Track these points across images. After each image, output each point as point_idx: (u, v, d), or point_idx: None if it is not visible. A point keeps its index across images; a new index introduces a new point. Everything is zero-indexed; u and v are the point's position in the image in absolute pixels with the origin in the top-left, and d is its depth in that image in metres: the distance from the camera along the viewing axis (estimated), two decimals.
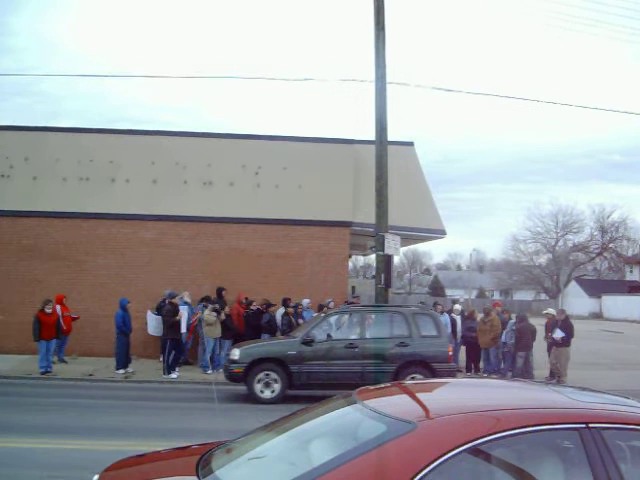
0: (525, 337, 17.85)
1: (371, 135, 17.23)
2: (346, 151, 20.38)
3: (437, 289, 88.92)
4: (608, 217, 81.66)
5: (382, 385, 5.17)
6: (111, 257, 19.39)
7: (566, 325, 17.89)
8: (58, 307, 16.81)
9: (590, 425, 3.33)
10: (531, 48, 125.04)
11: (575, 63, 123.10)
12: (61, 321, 16.81)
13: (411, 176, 20.80)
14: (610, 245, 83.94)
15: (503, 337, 18.28)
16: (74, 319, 17.52)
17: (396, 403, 4.00)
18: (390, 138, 17.25)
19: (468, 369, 19.18)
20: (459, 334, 18.96)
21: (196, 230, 19.60)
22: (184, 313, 16.48)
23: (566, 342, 17.67)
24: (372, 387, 4.63)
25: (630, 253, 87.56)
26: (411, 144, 21.63)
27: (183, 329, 16.33)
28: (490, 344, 18.32)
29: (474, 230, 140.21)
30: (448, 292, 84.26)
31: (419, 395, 4.12)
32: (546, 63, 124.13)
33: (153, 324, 17.51)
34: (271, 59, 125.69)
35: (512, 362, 18.37)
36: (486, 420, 3.34)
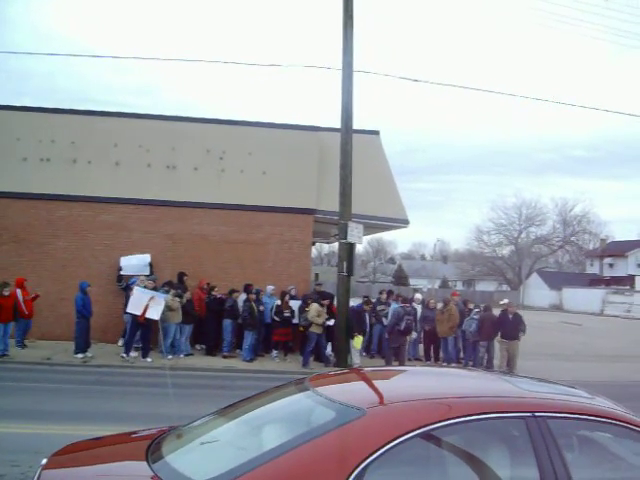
0: (487, 327, 18.08)
1: (337, 123, 17.26)
2: (311, 138, 20.34)
3: (401, 278, 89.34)
4: (570, 211, 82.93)
5: (337, 371, 5.18)
6: (72, 240, 19.09)
7: (516, 319, 18.15)
8: (18, 291, 16.53)
9: (536, 414, 3.40)
10: (500, 40, 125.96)
11: (542, 57, 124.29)
12: (23, 305, 16.54)
13: (376, 165, 20.85)
14: (572, 238, 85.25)
15: (463, 326, 18.51)
16: (34, 298, 17.13)
17: (347, 390, 4.04)
18: (356, 127, 17.28)
19: (427, 358, 19.36)
20: (419, 323, 19.12)
21: (159, 214, 19.40)
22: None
23: (516, 335, 17.91)
24: (326, 374, 4.65)
25: (591, 246, 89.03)
26: (377, 133, 21.67)
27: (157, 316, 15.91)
28: (448, 333, 18.53)
29: (438, 220, 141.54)
30: (412, 281, 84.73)
31: (373, 382, 4.19)
32: (513, 56, 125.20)
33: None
34: (239, 44, 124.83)
35: (472, 351, 18.61)
36: (434, 407, 3.39)
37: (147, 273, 17.82)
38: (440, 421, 3.27)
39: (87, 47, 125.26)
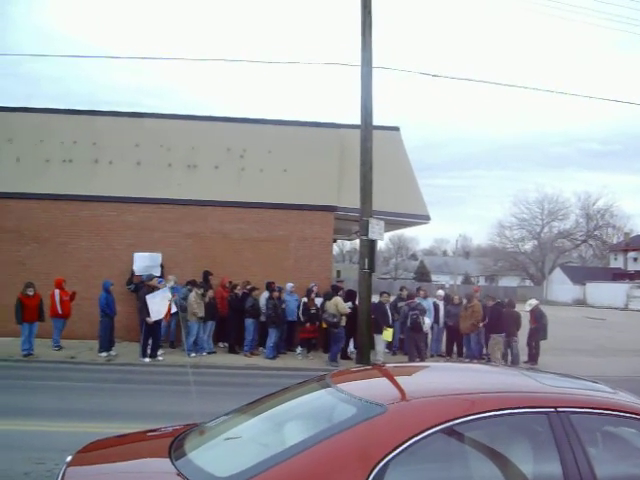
0: (509, 322, 17.97)
1: (357, 119, 17.22)
2: (331, 135, 20.33)
3: (423, 274, 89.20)
4: (593, 204, 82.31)
5: (360, 368, 5.18)
6: (94, 240, 19.28)
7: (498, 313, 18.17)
8: (57, 291, 16.71)
9: (559, 409, 3.38)
10: (516, 36, 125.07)
11: (555, 52, 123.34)
12: (58, 306, 16.69)
13: (396, 161, 20.78)
14: (595, 232, 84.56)
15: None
16: (72, 298, 17.15)
17: (369, 386, 4.05)
18: (375, 123, 17.24)
19: (449, 354, 19.30)
20: (442, 319, 19.06)
21: (180, 213, 19.51)
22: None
23: (499, 330, 17.87)
24: (347, 370, 4.66)
25: (615, 241, 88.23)
26: (397, 129, 21.59)
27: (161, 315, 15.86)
28: (471, 330, 18.41)
29: (460, 216, 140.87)
30: (434, 278, 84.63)
31: (395, 378, 4.19)
32: (529, 51, 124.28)
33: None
34: (258, 42, 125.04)
35: None
36: (455, 403, 3.39)
37: (158, 274, 17.93)
38: (461, 417, 3.26)
39: (89, 47, 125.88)
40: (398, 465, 3.07)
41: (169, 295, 15.60)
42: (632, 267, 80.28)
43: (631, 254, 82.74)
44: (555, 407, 3.40)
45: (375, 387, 3.98)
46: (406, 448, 3.10)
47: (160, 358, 16.31)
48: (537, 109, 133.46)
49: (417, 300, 18.24)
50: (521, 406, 3.42)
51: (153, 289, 15.93)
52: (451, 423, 3.23)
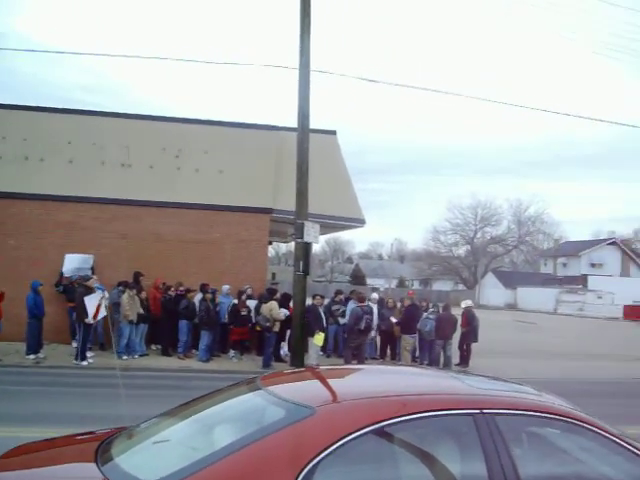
0: (445, 326, 18.27)
1: (294, 122, 17.23)
2: (268, 137, 20.31)
3: (358, 278, 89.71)
4: (525, 211, 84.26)
5: (291, 370, 5.17)
6: (23, 238, 18.73)
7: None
8: None
9: (484, 411, 3.45)
10: (456, 42, 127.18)
11: (490, 60, 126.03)
12: None
13: (332, 165, 20.88)
14: (526, 238, 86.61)
15: (419, 325, 18.64)
16: (1, 298, 16.48)
17: (299, 389, 4.05)
18: (313, 126, 17.29)
19: (383, 357, 19.46)
20: (375, 322, 19.21)
21: (114, 213, 19.13)
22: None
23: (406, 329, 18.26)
24: (278, 372, 4.65)
25: (545, 247, 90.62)
26: (333, 133, 21.71)
27: (101, 314, 15.68)
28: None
29: (396, 221, 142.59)
30: (369, 281, 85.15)
31: (325, 381, 4.20)
32: (466, 59, 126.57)
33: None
34: (196, 42, 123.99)
35: (428, 350, 18.78)
36: (385, 405, 3.42)
37: (90, 275, 17.56)
38: (390, 418, 3.29)
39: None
40: (327, 467, 3.08)
41: (102, 296, 15.37)
42: (561, 272, 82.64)
43: (560, 260, 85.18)
44: (481, 409, 3.45)
45: (305, 389, 3.99)
46: (335, 450, 3.11)
47: (90, 361, 15.99)
48: (471, 117, 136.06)
49: (370, 304, 18.50)
50: (448, 408, 3.47)
51: (90, 290, 15.66)
52: (380, 425, 3.26)
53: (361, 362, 16.96)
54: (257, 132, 20.41)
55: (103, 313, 15.36)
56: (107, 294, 16.17)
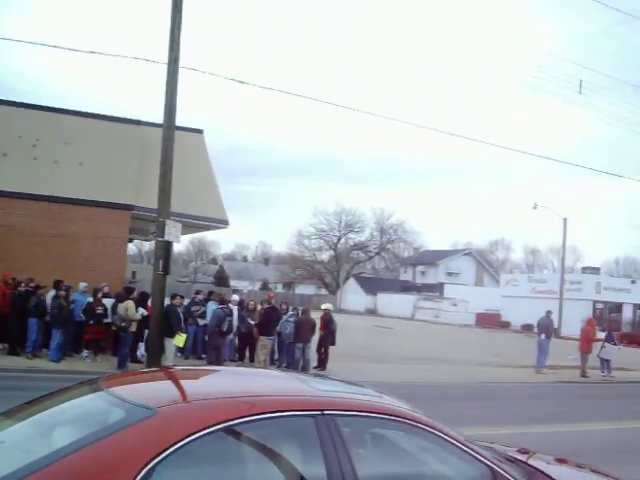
0: (304, 329, 18.45)
1: (161, 118, 16.85)
2: (133, 132, 19.79)
3: (222, 279, 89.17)
4: (387, 220, 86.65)
5: (139, 370, 5.04)
6: None
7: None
8: None
9: (325, 412, 3.48)
10: (330, 49, 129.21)
11: (361, 71, 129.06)
12: None
13: (198, 164, 20.63)
14: (388, 246, 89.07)
15: (279, 328, 18.76)
16: None
17: (143, 389, 3.94)
18: (180, 124, 17.00)
19: (241, 359, 19.40)
20: (235, 324, 19.12)
21: None
22: None
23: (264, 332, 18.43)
24: (123, 373, 4.52)
25: (406, 254, 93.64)
26: (200, 132, 21.47)
27: None
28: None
29: (262, 223, 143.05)
30: (233, 283, 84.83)
31: (173, 381, 4.14)
32: (340, 66, 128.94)
33: None
34: (65, 29, 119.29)
35: (288, 353, 18.91)
36: (228, 406, 3.39)
37: None
38: (231, 420, 3.27)
39: None
40: (166, 468, 3.02)
41: None
42: (420, 280, 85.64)
43: (419, 268, 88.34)
44: (322, 410, 3.49)
45: (149, 390, 3.90)
46: (175, 451, 3.05)
47: None
48: (339, 124, 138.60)
49: (230, 306, 18.37)
50: (289, 409, 3.49)
51: None
52: (221, 426, 3.23)
53: (220, 364, 16.84)
54: (121, 126, 19.85)
55: None
56: None
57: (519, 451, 5.21)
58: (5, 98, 19.87)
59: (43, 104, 19.92)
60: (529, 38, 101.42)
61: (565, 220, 50.54)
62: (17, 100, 19.87)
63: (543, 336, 23.33)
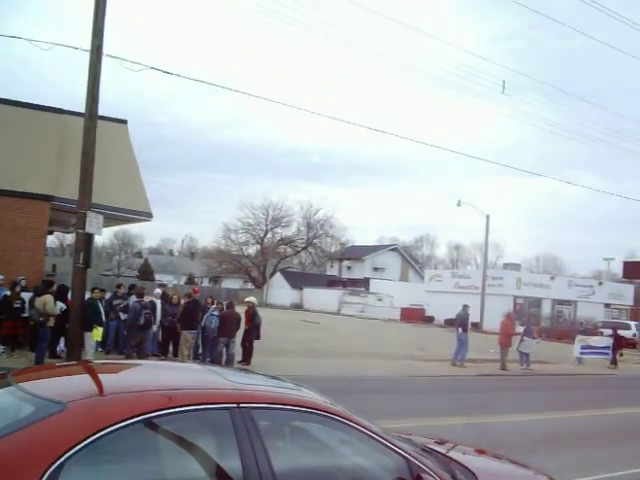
0: (229, 323, 18.34)
1: (83, 107, 16.42)
2: (53, 120, 19.22)
3: (147, 273, 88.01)
4: (314, 215, 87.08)
5: (52, 365, 4.90)
6: None
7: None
8: None
9: (241, 405, 3.47)
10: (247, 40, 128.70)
11: (287, 65, 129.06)
12: None
13: (121, 155, 20.22)
14: (315, 241, 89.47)
15: (204, 322, 18.61)
16: None
17: (54, 384, 3.84)
18: (103, 113, 16.62)
19: (164, 354, 19.16)
20: (159, 318, 18.86)
21: None
22: None
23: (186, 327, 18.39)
24: (35, 367, 4.40)
25: (332, 249, 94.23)
26: (124, 122, 21.03)
27: None
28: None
29: (188, 217, 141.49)
30: (158, 277, 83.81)
31: (88, 375, 4.03)
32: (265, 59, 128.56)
33: None
34: None
35: (212, 347, 18.75)
36: (141, 400, 3.34)
37: None
38: (145, 413, 3.22)
39: None
40: (76, 464, 2.95)
41: None
42: (346, 275, 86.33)
43: (345, 263, 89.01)
44: (238, 403, 3.48)
45: (60, 385, 3.80)
46: (85, 446, 2.99)
47: None
48: (261, 117, 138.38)
49: (154, 299, 18.10)
50: (205, 402, 3.46)
51: None
52: (135, 419, 3.18)
53: (142, 358, 16.59)
54: (40, 114, 19.25)
55: None
56: None
57: (437, 442, 5.30)
58: None
59: None
60: (453, 37, 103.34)
61: (488, 217, 51.77)
62: None
63: (460, 330, 23.77)
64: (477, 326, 48.14)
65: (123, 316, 18.44)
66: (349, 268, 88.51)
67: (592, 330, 39.50)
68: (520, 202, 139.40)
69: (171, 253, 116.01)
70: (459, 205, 51.58)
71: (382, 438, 3.85)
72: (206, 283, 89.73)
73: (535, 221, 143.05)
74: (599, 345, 28.73)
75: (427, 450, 4.58)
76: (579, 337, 29.15)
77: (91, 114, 15.87)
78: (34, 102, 19.74)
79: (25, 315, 16.92)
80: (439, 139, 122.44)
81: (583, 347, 28.11)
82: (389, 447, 3.84)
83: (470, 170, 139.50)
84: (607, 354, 28.64)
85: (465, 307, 24.42)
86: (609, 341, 29.18)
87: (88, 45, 16.07)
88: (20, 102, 19.46)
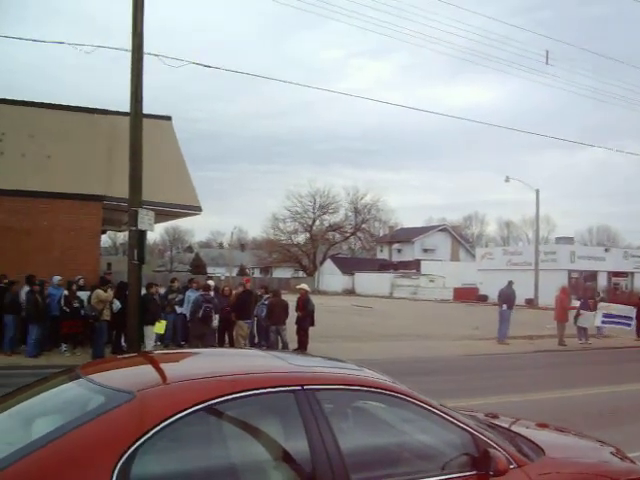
0: (276, 312, 18.49)
1: (127, 107, 16.67)
2: (101, 122, 19.59)
3: (198, 267, 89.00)
4: (361, 199, 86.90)
5: (120, 357, 5.02)
6: None
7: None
8: None
9: (305, 387, 3.51)
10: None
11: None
12: None
13: (167, 151, 20.50)
14: (363, 225, 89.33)
15: (255, 311, 18.82)
16: None
17: (121, 375, 3.94)
18: (148, 111, 16.84)
19: (221, 344, 19.40)
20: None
21: None
22: None
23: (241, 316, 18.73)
24: (101, 360, 4.51)
25: (381, 233, 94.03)
26: (169, 118, 21.31)
27: None
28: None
29: (235, 209, 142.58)
30: (210, 270, 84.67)
31: (151, 366, 4.11)
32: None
33: None
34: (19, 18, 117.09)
35: (266, 336, 18.96)
36: (207, 386, 3.40)
37: None
38: (212, 399, 3.28)
39: None
40: (148, 451, 3.03)
41: None
42: (396, 258, 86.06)
43: (395, 246, 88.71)
44: (302, 385, 3.52)
45: (127, 375, 3.89)
46: (156, 434, 3.07)
47: None
48: (302, 106, 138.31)
49: (211, 293, 18.36)
50: (270, 385, 3.51)
51: None
52: (202, 405, 3.24)
53: None
54: (88, 116, 19.64)
55: None
56: None
57: (497, 417, 5.28)
58: None
59: (8, 97, 19.60)
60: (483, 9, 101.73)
61: (537, 191, 50.96)
62: None
63: (505, 306, 23.46)
64: (532, 302, 47.58)
65: (179, 309, 18.78)
66: (399, 251, 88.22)
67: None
68: (569, 174, 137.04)
69: (221, 246, 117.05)
70: (507, 181, 50.86)
71: (447, 414, 3.86)
72: (257, 274, 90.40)
73: (585, 193, 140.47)
74: (621, 314, 25.36)
75: (491, 425, 4.57)
76: (601, 304, 26.05)
77: (136, 113, 16.09)
78: (81, 105, 20.14)
79: (83, 313, 17.31)
80: (480, 115, 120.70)
81: (605, 315, 25.07)
82: (454, 423, 3.85)
83: (515, 145, 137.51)
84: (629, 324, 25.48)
85: (510, 283, 24.02)
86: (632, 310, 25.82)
87: (127, 46, 16.31)
88: (67, 106, 19.86)
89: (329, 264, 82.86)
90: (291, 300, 19.87)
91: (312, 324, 19.80)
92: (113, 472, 2.90)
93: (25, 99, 19.66)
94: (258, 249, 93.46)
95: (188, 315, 18.45)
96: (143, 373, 3.88)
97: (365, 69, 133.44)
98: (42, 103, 19.61)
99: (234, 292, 19.79)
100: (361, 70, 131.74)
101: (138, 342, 16.20)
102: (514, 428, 4.91)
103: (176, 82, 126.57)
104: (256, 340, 19.43)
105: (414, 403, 3.81)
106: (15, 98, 19.58)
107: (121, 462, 2.93)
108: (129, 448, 2.98)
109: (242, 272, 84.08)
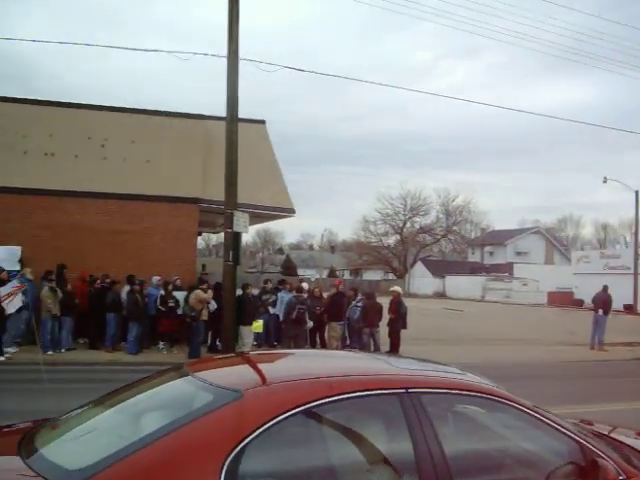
0: (370, 314, 18.49)
1: (223, 111, 17.06)
2: (197, 126, 20.11)
3: (289, 269, 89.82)
4: (452, 201, 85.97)
5: (223, 356, 5.13)
6: None
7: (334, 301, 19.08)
8: None
9: (409, 390, 3.49)
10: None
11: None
12: None
13: (261, 154, 20.85)
14: (454, 228, 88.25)
15: (348, 313, 18.86)
16: None
17: (227, 373, 4.04)
18: (242, 115, 17.16)
19: (313, 345, 19.56)
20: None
21: (36, 203, 18.56)
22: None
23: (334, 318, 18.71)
24: (206, 358, 4.63)
25: (472, 236, 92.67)
26: (262, 122, 21.68)
27: (14, 306, 15.31)
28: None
29: (325, 211, 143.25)
30: (300, 272, 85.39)
31: (254, 365, 4.18)
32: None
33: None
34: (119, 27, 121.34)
35: (359, 337, 18.98)
36: (312, 387, 3.43)
37: (18, 268, 16.85)
38: (316, 400, 3.31)
39: None
40: (255, 450, 3.07)
41: (18, 287, 14.99)
42: (488, 261, 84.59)
43: (487, 248, 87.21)
44: (406, 388, 3.50)
45: (233, 374, 3.98)
46: (262, 432, 3.10)
47: (8, 355, 15.46)
48: (389, 109, 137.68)
49: (304, 295, 18.58)
50: (374, 388, 3.51)
51: (3, 282, 15.24)
52: (307, 406, 3.27)
53: None
54: (185, 121, 20.20)
55: (17, 304, 15.01)
56: (27, 285, 15.61)
57: (593, 425, 5.13)
58: (75, 101, 20.45)
59: (110, 105, 20.38)
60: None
61: (637, 193, 49.10)
62: (85, 102, 20.40)
63: (600, 311, 22.69)
64: (631, 308, 45.92)
65: (272, 310, 19.05)
66: (491, 254, 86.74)
67: None
68: None
69: (311, 248, 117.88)
70: (605, 182, 49.19)
71: (552, 421, 3.76)
72: (347, 276, 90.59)
73: None
74: None
75: (596, 434, 4.43)
76: None
77: (232, 117, 16.45)
78: (178, 111, 20.73)
79: (179, 312, 17.77)
80: (571, 114, 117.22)
81: None
82: (559, 430, 3.74)
83: (612, 145, 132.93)
84: None
85: (605, 288, 23.24)
86: None
87: (223, 52, 16.67)
88: (164, 111, 20.48)
89: (420, 267, 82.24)
90: (382, 302, 19.81)
91: (404, 327, 19.69)
92: (222, 470, 2.95)
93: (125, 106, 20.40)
94: (348, 251, 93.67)
95: (281, 316, 18.73)
96: (248, 372, 3.96)
97: (454, 70, 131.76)
98: (142, 109, 20.30)
99: (326, 294, 19.90)
100: (449, 72, 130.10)
101: (233, 342, 16.55)
102: (616, 436, 4.75)
103: (265, 84, 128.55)
104: (348, 342, 19.48)
105: (517, 408, 3.73)
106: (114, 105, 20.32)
107: (229, 460, 2.99)
108: (237, 446, 3.03)
109: (332, 274, 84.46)
